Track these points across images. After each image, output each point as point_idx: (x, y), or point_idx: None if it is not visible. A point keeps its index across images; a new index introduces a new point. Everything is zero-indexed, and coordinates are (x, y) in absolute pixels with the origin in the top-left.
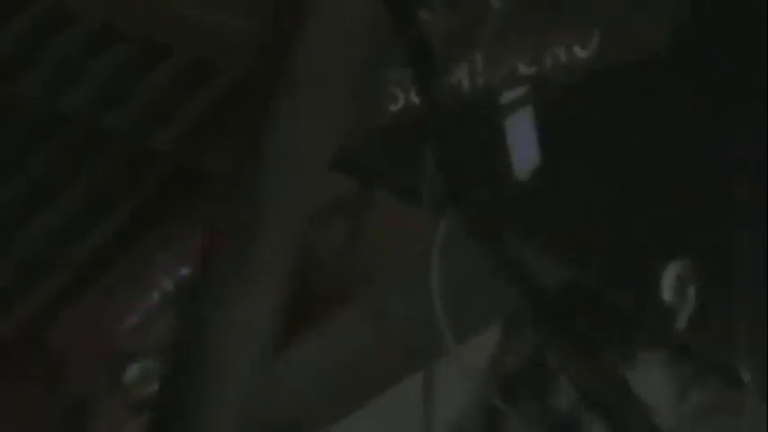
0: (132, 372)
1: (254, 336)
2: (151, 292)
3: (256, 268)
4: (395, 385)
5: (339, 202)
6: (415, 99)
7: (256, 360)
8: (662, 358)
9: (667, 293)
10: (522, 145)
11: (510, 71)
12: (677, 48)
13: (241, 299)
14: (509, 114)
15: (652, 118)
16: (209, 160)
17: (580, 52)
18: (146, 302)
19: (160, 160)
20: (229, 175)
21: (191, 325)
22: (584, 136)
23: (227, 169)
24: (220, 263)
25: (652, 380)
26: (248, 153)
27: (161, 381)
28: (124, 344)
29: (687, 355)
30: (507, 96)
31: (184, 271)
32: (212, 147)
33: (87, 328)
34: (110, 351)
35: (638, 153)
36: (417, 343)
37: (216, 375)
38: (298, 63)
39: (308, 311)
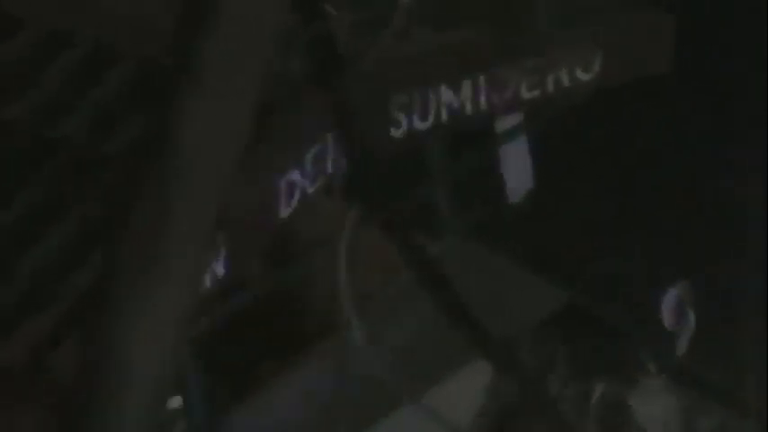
0: None
1: (162, 341)
2: None
3: (165, 269)
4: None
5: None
6: (418, 125)
7: (165, 368)
8: (664, 384)
9: (667, 318)
10: (517, 168)
11: (513, 95)
12: (678, 65)
13: (148, 302)
14: (506, 141)
15: (652, 140)
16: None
17: (582, 75)
18: None
19: None
20: (135, 172)
21: (99, 330)
22: (583, 158)
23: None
24: (128, 264)
25: (655, 406)
26: (155, 149)
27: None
28: None
29: (689, 381)
30: (504, 122)
31: None
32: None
33: None
34: None
35: (638, 176)
36: (410, 370)
37: (122, 387)
38: (204, 59)
39: (300, 338)
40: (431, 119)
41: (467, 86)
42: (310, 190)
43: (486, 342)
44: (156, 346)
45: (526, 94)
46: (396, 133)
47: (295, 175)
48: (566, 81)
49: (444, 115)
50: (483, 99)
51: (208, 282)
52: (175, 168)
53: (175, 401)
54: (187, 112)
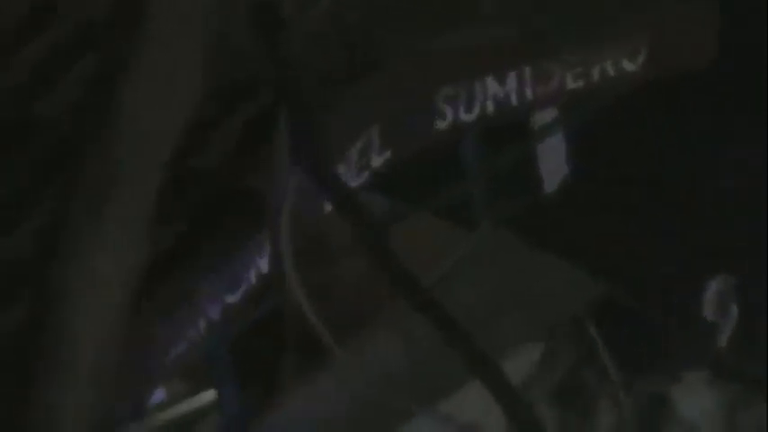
0: (158, 395)
1: (108, 293)
2: (197, 320)
3: (111, 224)
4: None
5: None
6: (463, 117)
7: (112, 319)
8: (706, 378)
9: (708, 311)
10: (552, 158)
11: (558, 86)
12: (720, 60)
13: (96, 254)
14: (544, 137)
15: (692, 134)
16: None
17: (628, 66)
18: (192, 331)
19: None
20: (82, 129)
21: (47, 282)
22: (622, 148)
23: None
24: (76, 219)
25: (697, 400)
26: (102, 107)
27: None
28: (163, 369)
29: (730, 374)
30: (543, 116)
31: (230, 299)
32: None
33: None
34: (141, 374)
35: (679, 168)
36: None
37: (70, 333)
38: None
39: (337, 331)
40: (476, 111)
41: (512, 78)
42: (354, 184)
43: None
44: (100, 310)
45: (571, 85)
46: (441, 125)
47: (340, 170)
48: (611, 72)
49: (490, 107)
50: (528, 90)
51: (253, 278)
52: (121, 130)
53: (209, 395)
54: (132, 71)
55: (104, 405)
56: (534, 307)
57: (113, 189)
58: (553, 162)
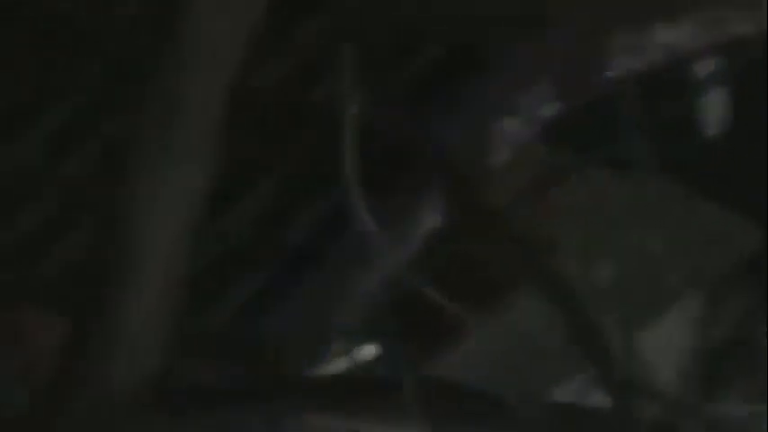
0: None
1: (177, 211)
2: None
3: (181, 145)
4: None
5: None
6: (634, 65)
7: (179, 235)
8: None
9: None
10: (714, 104)
11: (728, 33)
12: None
13: (166, 173)
14: (707, 89)
15: None
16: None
17: None
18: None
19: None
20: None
21: (115, 199)
22: None
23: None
24: (147, 138)
25: None
26: (161, 36)
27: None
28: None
29: None
30: (706, 66)
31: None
32: None
33: None
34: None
35: None
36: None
37: (139, 248)
38: None
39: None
40: (647, 59)
41: (684, 25)
42: (524, 137)
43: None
44: (169, 226)
45: (740, 30)
46: (612, 74)
47: (509, 121)
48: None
49: (660, 55)
50: (699, 38)
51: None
52: (183, 56)
53: (371, 350)
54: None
55: (176, 318)
56: (699, 256)
57: (180, 111)
58: (715, 107)
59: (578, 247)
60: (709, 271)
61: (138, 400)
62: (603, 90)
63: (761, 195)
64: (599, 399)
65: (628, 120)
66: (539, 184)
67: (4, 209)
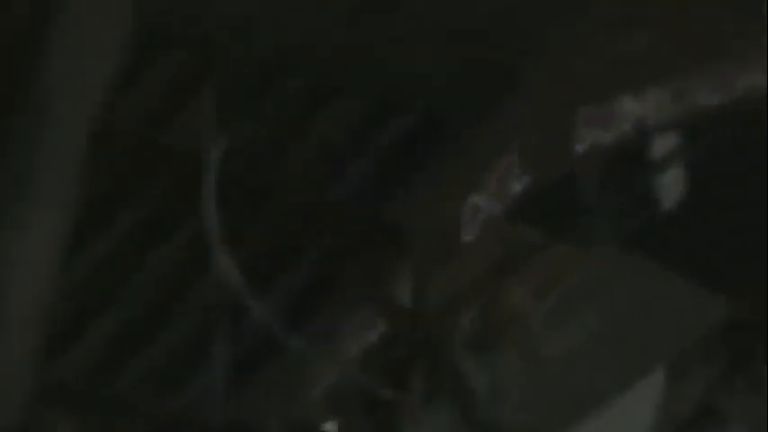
0: None
1: (38, 260)
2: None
3: (41, 191)
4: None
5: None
6: (602, 138)
7: (39, 287)
8: None
9: None
10: (671, 176)
11: (698, 103)
12: None
13: (25, 220)
14: (668, 167)
15: None
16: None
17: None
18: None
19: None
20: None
21: None
22: (741, 162)
23: None
24: (3, 184)
25: None
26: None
27: None
28: None
29: None
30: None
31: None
32: None
33: None
34: None
35: None
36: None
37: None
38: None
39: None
40: (614, 131)
41: (651, 96)
42: (495, 212)
43: None
44: (30, 272)
45: (711, 101)
46: (580, 148)
47: (479, 197)
48: (760, 82)
49: (627, 127)
50: (668, 109)
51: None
52: (40, 99)
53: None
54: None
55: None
56: (661, 329)
57: (39, 154)
58: (671, 179)
59: (540, 322)
60: (673, 345)
61: None
62: (572, 163)
63: (722, 268)
64: None
65: (590, 193)
66: (507, 261)
67: None
